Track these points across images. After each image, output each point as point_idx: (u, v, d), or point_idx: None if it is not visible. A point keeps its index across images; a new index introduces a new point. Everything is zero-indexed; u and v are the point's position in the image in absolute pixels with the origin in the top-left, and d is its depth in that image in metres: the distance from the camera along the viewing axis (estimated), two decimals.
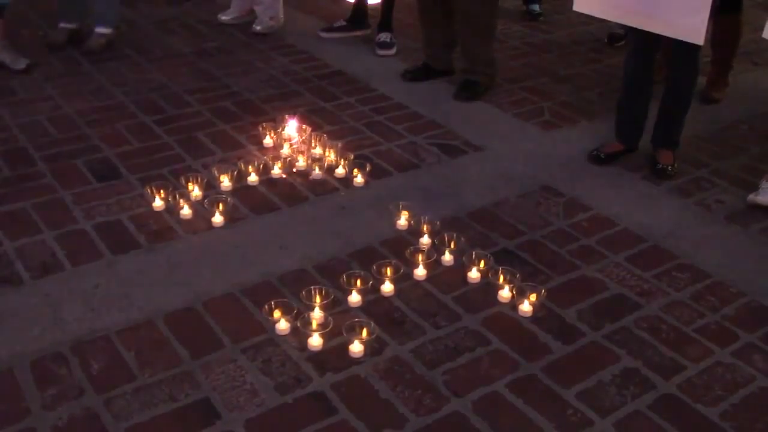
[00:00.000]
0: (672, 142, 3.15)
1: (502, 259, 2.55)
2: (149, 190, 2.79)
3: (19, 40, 4.12)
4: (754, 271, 2.56)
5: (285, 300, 2.29)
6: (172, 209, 2.76)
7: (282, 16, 4.53)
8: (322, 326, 2.19)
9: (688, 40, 2.77)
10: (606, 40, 4.49)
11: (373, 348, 2.17)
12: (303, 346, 2.17)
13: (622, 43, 4.32)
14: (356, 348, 2.14)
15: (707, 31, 2.72)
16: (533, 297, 2.33)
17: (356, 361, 2.12)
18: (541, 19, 4.88)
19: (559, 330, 2.27)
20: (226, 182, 2.92)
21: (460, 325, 2.28)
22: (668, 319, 2.33)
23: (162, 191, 2.79)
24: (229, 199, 2.78)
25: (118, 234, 2.64)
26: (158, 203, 2.76)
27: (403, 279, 2.44)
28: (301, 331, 2.19)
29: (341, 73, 4.00)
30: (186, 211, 2.74)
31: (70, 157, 3.10)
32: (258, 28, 4.41)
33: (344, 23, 4.51)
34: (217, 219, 2.71)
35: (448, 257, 2.53)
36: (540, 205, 2.89)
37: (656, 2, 2.77)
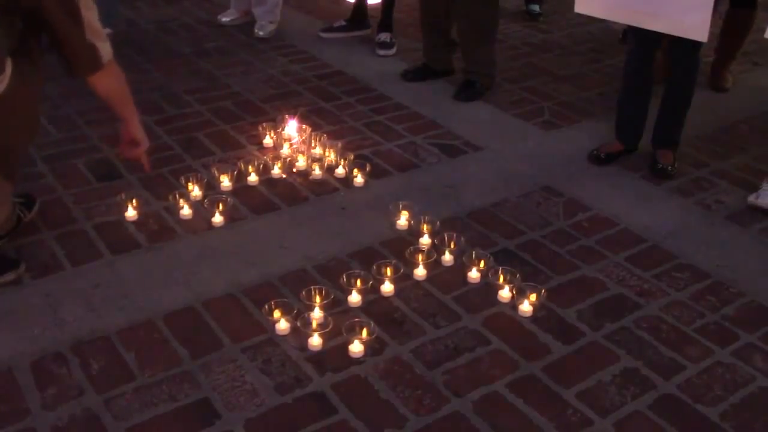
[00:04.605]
0: (672, 141, 3.15)
1: (502, 259, 2.55)
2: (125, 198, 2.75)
3: None
4: (754, 271, 2.56)
5: (285, 300, 2.29)
6: (172, 209, 2.76)
7: (279, 16, 4.53)
8: (322, 326, 2.19)
9: (692, 38, 2.77)
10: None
11: (373, 348, 2.17)
12: (303, 346, 2.17)
13: None
14: (356, 348, 2.14)
15: (712, 25, 2.72)
16: (533, 297, 2.33)
17: (356, 361, 2.12)
18: (541, 19, 4.89)
19: (559, 330, 2.27)
20: (226, 182, 2.92)
21: (460, 325, 2.28)
22: (668, 319, 2.33)
23: (135, 200, 2.74)
24: (229, 199, 2.78)
25: (118, 234, 2.64)
26: (131, 213, 2.71)
27: (403, 279, 2.44)
28: (301, 331, 2.19)
29: (341, 73, 4.00)
30: (186, 211, 2.74)
31: (70, 157, 3.10)
32: (261, 33, 4.41)
33: (344, 23, 4.51)
34: (217, 219, 2.71)
35: (448, 257, 2.53)
36: (540, 205, 2.89)
37: (658, 1, 2.77)
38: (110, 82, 2.40)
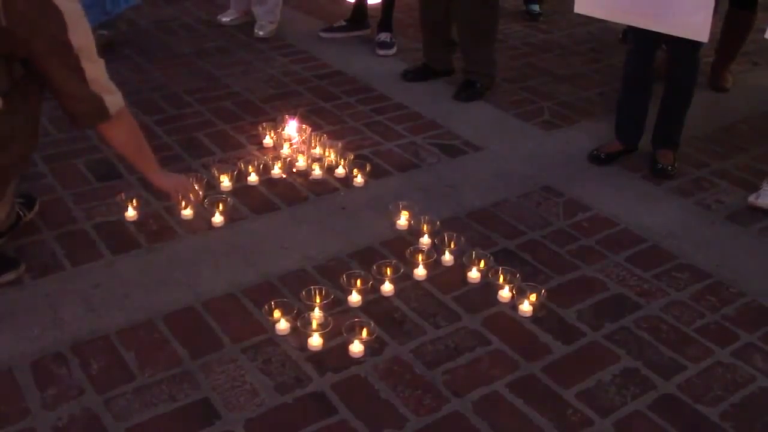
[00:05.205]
0: (672, 141, 3.15)
1: (502, 259, 2.55)
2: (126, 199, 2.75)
3: None
4: (754, 271, 2.56)
5: (285, 300, 2.29)
6: (172, 209, 2.76)
7: (279, 16, 4.53)
8: (322, 326, 2.19)
9: (693, 38, 2.77)
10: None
11: (373, 348, 2.17)
12: (303, 346, 2.17)
13: None
14: (356, 348, 2.14)
15: (713, 25, 2.73)
16: (533, 297, 2.33)
17: (356, 361, 2.12)
18: (541, 19, 4.89)
19: (559, 330, 2.27)
20: (226, 182, 2.92)
21: (460, 325, 2.28)
22: (668, 319, 2.33)
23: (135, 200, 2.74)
24: (229, 199, 2.78)
25: (118, 234, 2.64)
26: (131, 213, 2.72)
27: (403, 279, 2.44)
28: (301, 331, 2.19)
29: (341, 73, 4.00)
30: (186, 211, 2.74)
31: (70, 157, 3.10)
32: (261, 33, 4.42)
33: (344, 23, 4.51)
34: (217, 219, 2.71)
35: (448, 257, 2.53)
36: (540, 205, 2.89)
37: (659, 1, 2.77)
38: (120, 133, 2.38)
